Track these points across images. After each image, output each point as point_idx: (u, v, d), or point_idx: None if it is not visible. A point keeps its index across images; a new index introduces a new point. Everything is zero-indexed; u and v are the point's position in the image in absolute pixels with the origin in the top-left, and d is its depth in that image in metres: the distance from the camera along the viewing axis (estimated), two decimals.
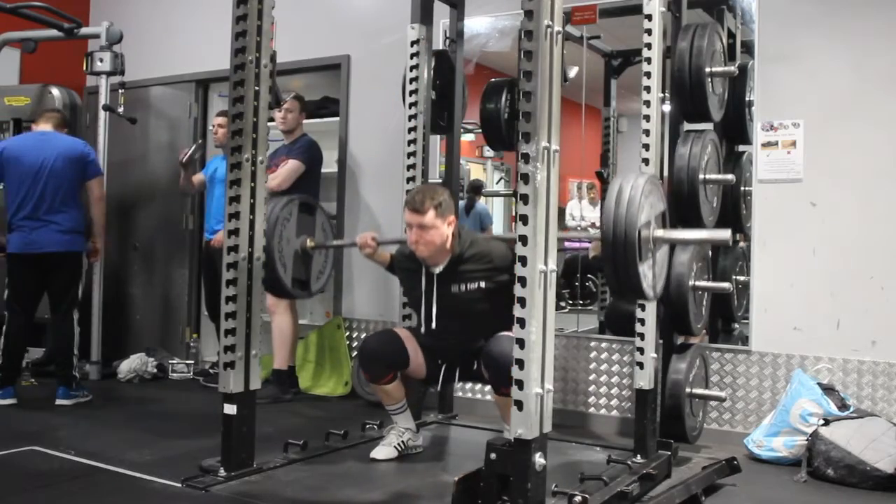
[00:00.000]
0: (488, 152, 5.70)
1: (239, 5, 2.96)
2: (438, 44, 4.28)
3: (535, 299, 2.30)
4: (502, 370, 2.71)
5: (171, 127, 5.86)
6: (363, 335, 4.95)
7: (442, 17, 4.13)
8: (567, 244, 5.15)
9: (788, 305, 3.79)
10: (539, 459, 2.32)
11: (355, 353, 4.88)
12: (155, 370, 5.31)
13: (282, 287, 3.24)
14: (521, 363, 2.29)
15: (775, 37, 3.87)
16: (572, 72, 4.60)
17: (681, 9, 3.47)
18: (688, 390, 3.35)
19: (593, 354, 4.23)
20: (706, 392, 3.54)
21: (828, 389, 3.50)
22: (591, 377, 4.23)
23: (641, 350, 3.26)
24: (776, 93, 3.85)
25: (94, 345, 5.17)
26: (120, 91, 5.23)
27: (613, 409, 4.18)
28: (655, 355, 3.28)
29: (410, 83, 3.88)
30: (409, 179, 3.88)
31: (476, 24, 4.63)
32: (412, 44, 3.85)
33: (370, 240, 3.35)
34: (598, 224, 2.72)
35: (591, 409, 4.23)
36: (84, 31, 5.32)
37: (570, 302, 5.04)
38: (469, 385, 4.52)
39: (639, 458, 3.19)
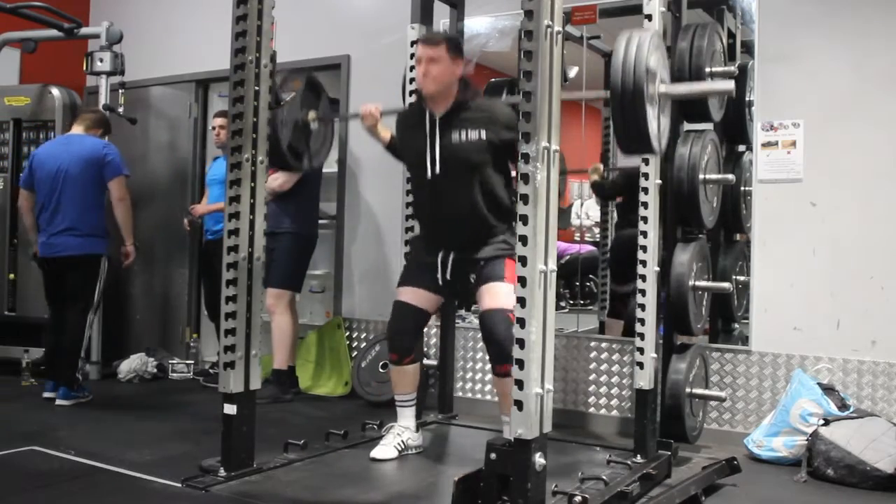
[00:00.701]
0: None
1: (239, 5, 2.95)
2: None
3: (535, 299, 2.30)
4: (503, 346, 2.82)
5: (171, 127, 5.87)
6: (363, 335, 4.97)
7: (442, 17, 4.13)
8: (567, 244, 5.14)
9: (788, 305, 3.79)
10: (539, 459, 2.32)
11: (355, 353, 4.89)
12: (155, 370, 5.31)
13: (276, 151, 3.23)
14: (521, 363, 2.29)
15: (775, 37, 3.87)
16: (572, 72, 4.60)
17: (681, 9, 3.47)
18: (688, 390, 3.35)
19: (593, 354, 4.23)
20: (706, 392, 3.54)
21: (828, 389, 3.50)
22: (591, 377, 4.23)
23: (641, 350, 3.26)
24: (776, 93, 3.85)
25: (94, 345, 5.16)
26: (120, 91, 5.24)
27: (613, 409, 4.18)
28: (655, 355, 3.28)
29: (410, 83, 3.87)
30: (409, 180, 3.87)
31: (476, 24, 4.63)
32: (412, 44, 3.84)
33: (374, 109, 3.40)
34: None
35: (591, 409, 4.23)
36: (84, 31, 5.32)
37: (571, 302, 5.04)
38: (469, 385, 4.53)
39: (639, 459, 3.19)
